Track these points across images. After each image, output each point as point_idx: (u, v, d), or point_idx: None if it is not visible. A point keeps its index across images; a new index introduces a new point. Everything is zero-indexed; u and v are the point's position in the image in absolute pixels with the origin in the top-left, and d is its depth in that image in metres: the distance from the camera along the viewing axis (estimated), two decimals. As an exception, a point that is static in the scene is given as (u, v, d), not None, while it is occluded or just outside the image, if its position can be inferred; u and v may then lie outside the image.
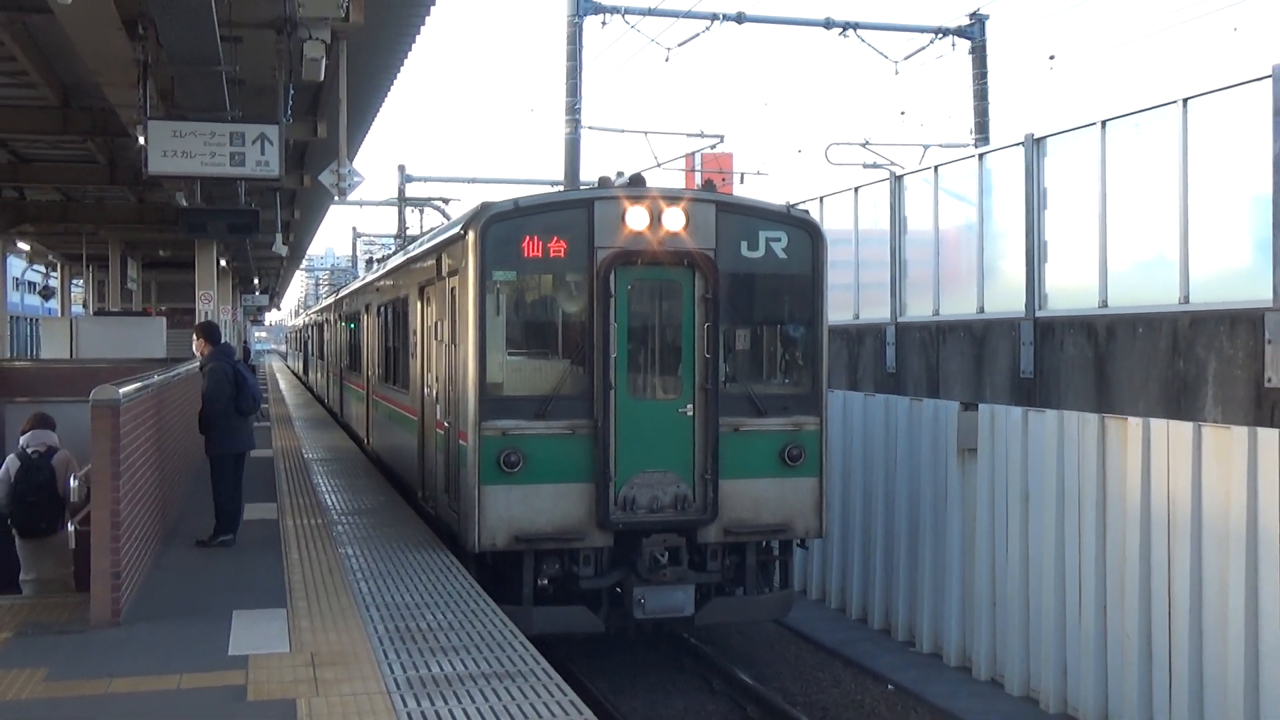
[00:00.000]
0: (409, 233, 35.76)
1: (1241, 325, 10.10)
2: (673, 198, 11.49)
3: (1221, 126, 10.74)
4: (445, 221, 29.28)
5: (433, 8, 14.47)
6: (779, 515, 11.76)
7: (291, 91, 14.88)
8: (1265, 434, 9.66)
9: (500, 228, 11.19)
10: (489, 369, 11.21)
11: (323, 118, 17.70)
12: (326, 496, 16.08)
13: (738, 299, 11.90)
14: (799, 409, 11.91)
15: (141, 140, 13.51)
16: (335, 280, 62.59)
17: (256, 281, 53.24)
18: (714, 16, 20.92)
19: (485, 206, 11.55)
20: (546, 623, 10.89)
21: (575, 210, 11.38)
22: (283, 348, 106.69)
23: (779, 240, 11.79)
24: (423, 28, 15.40)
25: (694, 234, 11.36)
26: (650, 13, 20.78)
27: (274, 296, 74.74)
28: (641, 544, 11.17)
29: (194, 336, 12.64)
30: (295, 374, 62.00)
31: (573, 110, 22.32)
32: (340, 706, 7.06)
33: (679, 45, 21.29)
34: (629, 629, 11.93)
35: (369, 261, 39.41)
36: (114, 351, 24.24)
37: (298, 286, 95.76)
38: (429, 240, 15.37)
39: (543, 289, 11.99)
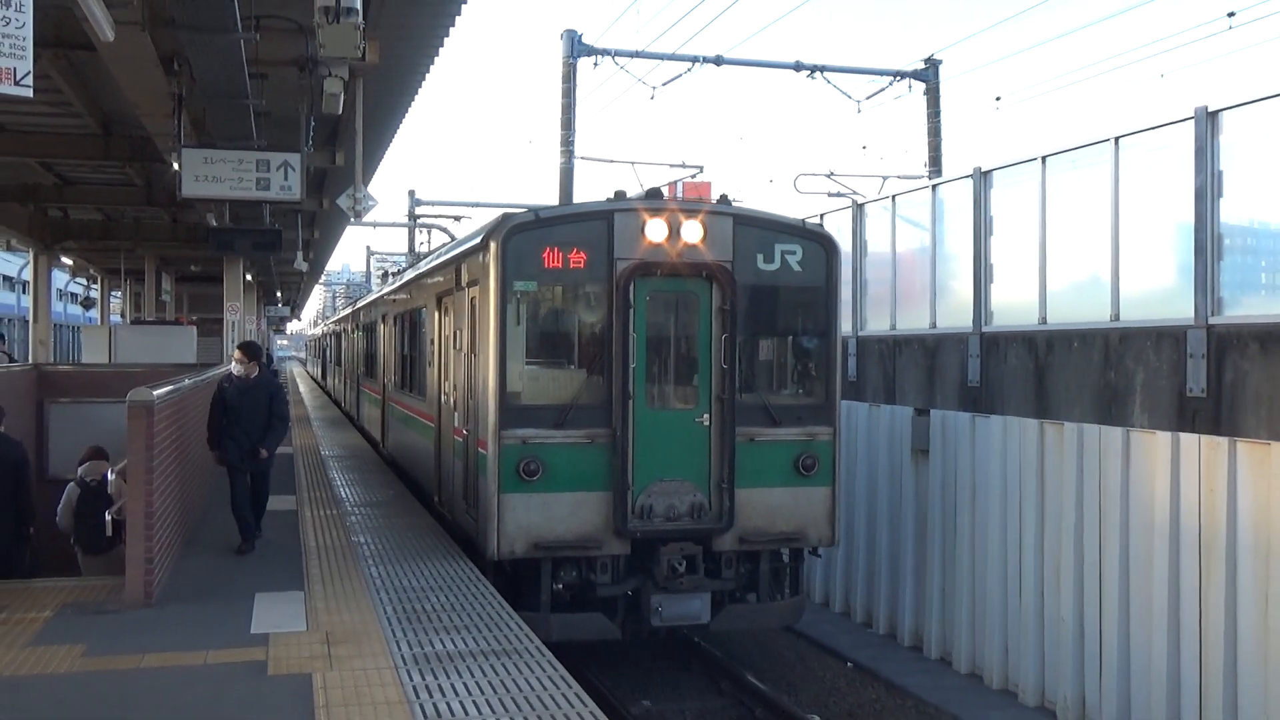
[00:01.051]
0: (419, 250, 35.67)
1: (1166, 341, 10.17)
2: (691, 210, 10.62)
3: (1150, 162, 10.82)
4: (450, 240, 29.27)
5: (441, 49, 14.51)
6: (793, 523, 10.93)
7: (312, 123, 14.91)
8: (1186, 438, 9.73)
9: (521, 238, 10.32)
10: (509, 378, 10.34)
11: (340, 147, 17.67)
12: (341, 490, 16.05)
13: (753, 310, 10.98)
14: (813, 419, 11.07)
15: (176, 166, 13.54)
16: (351, 293, 62.34)
17: (279, 294, 53.05)
18: (695, 59, 20.99)
19: (506, 218, 10.65)
20: (564, 630, 10.14)
21: (595, 222, 10.45)
22: (302, 354, 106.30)
23: (794, 253, 10.96)
24: (432, 67, 15.43)
25: (711, 246, 10.55)
26: (637, 55, 20.85)
27: (295, 308, 74.42)
28: (658, 552, 10.36)
29: (239, 355, 11.50)
30: (314, 379, 61.80)
31: (567, 142, 22.35)
32: (352, 680, 7.06)
33: (663, 84, 21.38)
34: (644, 635, 11.03)
35: (384, 275, 38.94)
36: (149, 357, 24.13)
37: (316, 299, 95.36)
38: (446, 253, 14.45)
39: (562, 299, 10.93)
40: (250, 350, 11.52)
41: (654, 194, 10.90)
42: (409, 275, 18.43)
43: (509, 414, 10.24)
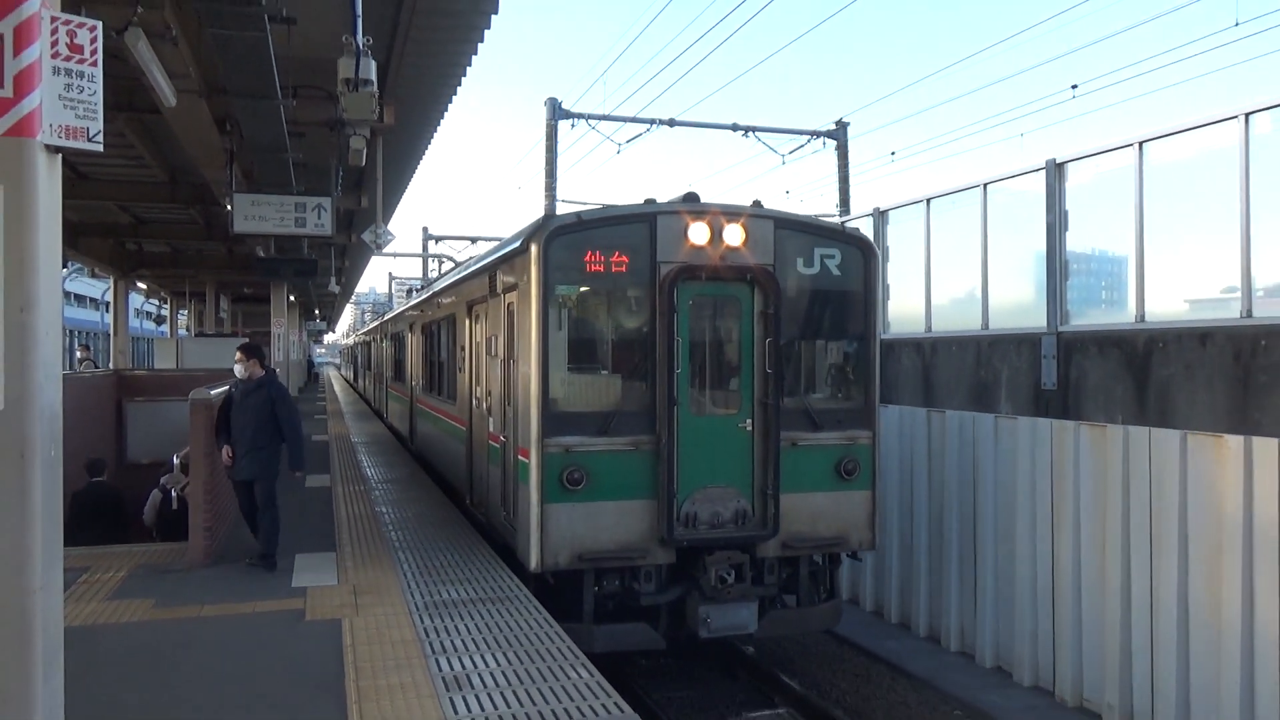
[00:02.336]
0: (431, 275, 35.42)
1: (1026, 345, 10.29)
2: (733, 214, 8.76)
3: (1012, 203, 10.97)
4: (451, 265, 28.96)
5: (445, 114, 14.49)
6: (834, 528, 9.02)
7: (341, 172, 14.86)
8: (1042, 422, 9.85)
9: (563, 241, 8.37)
10: (551, 384, 8.32)
11: (365, 191, 17.60)
12: (368, 470, 15.92)
13: (794, 314, 9.04)
14: (853, 423, 9.10)
15: (229, 208, 13.46)
16: (377, 310, 61.77)
17: (316, 311, 52.62)
18: (652, 121, 21.00)
19: (547, 219, 8.75)
20: (608, 641, 8.34)
21: (638, 225, 8.54)
22: (337, 360, 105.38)
23: (833, 257, 9.09)
24: (438, 128, 15.39)
25: (753, 249, 8.70)
26: (605, 118, 20.86)
27: (330, 322, 73.89)
28: (704, 560, 8.49)
29: (241, 356, 9.06)
30: (347, 380, 61.24)
31: (550, 189, 22.30)
32: (375, 623, 7.01)
33: (627, 142, 21.31)
34: (687, 643, 9.10)
35: (408, 292, 38.42)
36: (209, 363, 23.85)
37: (348, 315, 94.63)
38: (478, 262, 11.89)
39: (604, 303, 8.84)
40: (248, 350, 9.21)
41: (691, 198, 8.95)
42: (437, 287, 16.02)
43: (551, 421, 8.24)
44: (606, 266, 8.48)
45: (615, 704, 5.41)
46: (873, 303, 9.26)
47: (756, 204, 9.20)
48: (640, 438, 8.38)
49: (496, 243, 13.20)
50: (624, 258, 8.47)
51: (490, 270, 10.17)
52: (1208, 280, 9.11)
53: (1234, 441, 7.93)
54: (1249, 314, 8.18)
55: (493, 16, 10.80)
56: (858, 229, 9.99)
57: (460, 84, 13.09)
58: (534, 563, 8.18)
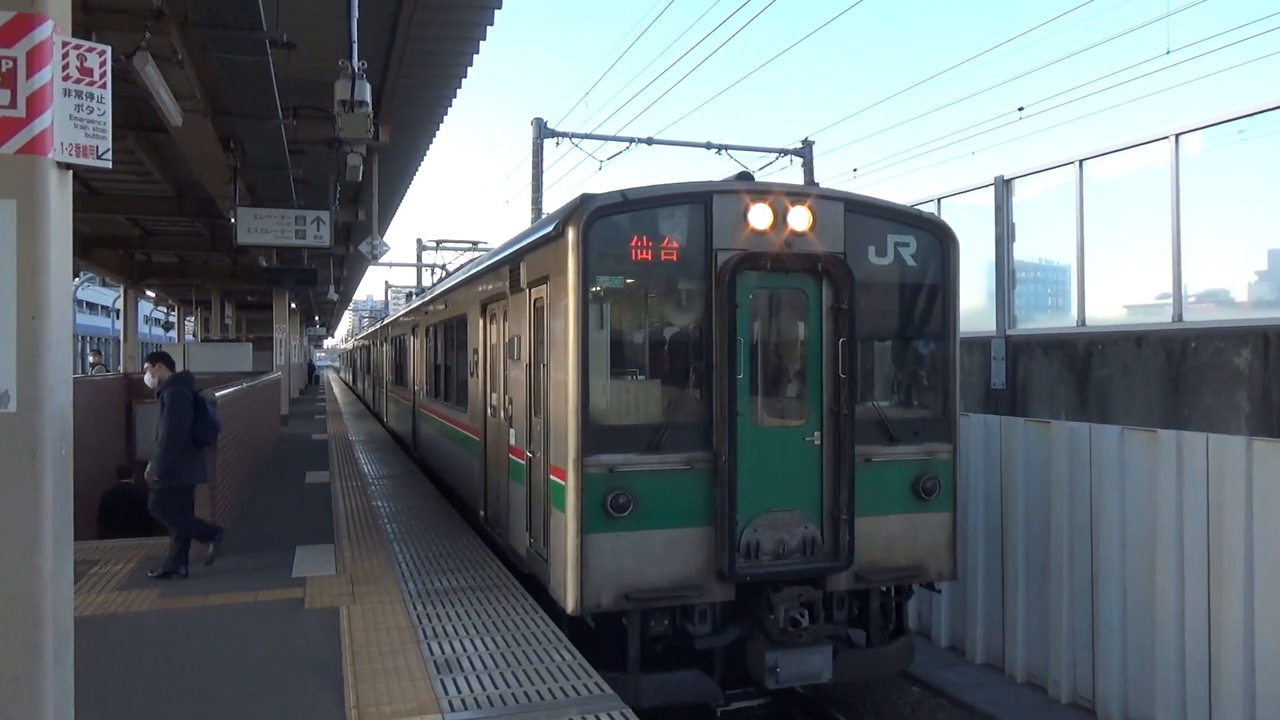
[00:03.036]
0: (426, 284, 35.11)
1: (977, 348, 10.38)
2: (799, 194, 7.16)
3: (964, 216, 11.07)
4: (444, 272, 28.35)
5: (437, 133, 14.48)
6: (912, 556, 7.37)
7: (339, 187, 14.79)
8: (990, 419, 9.92)
9: (606, 224, 6.70)
10: (592, 393, 6.62)
11: (361, 205, 17.54)
12: (364, 466, 15.83)
13: (865, 310, 7.29)
14: (931, 435, 7.47)
15: (233, 220, 13.37)
16: (375, 315, 61.37)
17: (316, 318, 52.38)
18: (632, 140, 21.01)
19: (586, 199, 6.81)
20: (657, 693, 6.73)
21: (691, 206, 6.91)
22: (337, 364, 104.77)
23: (907, 245, 7.50)
24: (431, 146, 15.37)
25: (821, 236, 7.12)
26: (588, 136, 20.88)
27: (329, 328, 73.52)
28: (768, 597, 6.90)
29: (148, 366, 8.42)
30: (346, 383, 60.88)
31: (536, 203, 22.24)
32: (371, 610, 6.97)
33: (608, 159, 21.29)
34: (752, 694, 7.37)
35: (407, 295, 36.96)
36: (215, 367, 23.67)
37: (346, 321, 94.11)
38: (494, 256, 9.90)
39: (652, 298, 7.15)
40: (153, 358, 8.45)
41: (745, 178, 7.46)
42: (444, 286, 14.02)
43: (593, 437, 6.57)
44: (655, 254, 6.82)
45: (596, 684, 5.41)
46: (952, 297, 7.66)
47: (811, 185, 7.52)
48: (695, 455, 6.76)
49: (483, 254, 12.39)
50: (675, 244, 6.84)
51: (511, 263, 8.46)
52: (1143, 287, 9.14)
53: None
54: (1180, 319, 8.31)
55: (481, 43, 10.82)
56: (934, 214, 8.34)
57: (451, 105, 13.09)
58: (571, 604, 6.50)
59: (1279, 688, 7.00)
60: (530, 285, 7.76)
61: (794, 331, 7.27)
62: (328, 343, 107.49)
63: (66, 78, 3.50)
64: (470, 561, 8.63)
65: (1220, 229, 8.32)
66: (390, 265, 44.85)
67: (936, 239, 7.58)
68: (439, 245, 33.43)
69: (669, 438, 6.72)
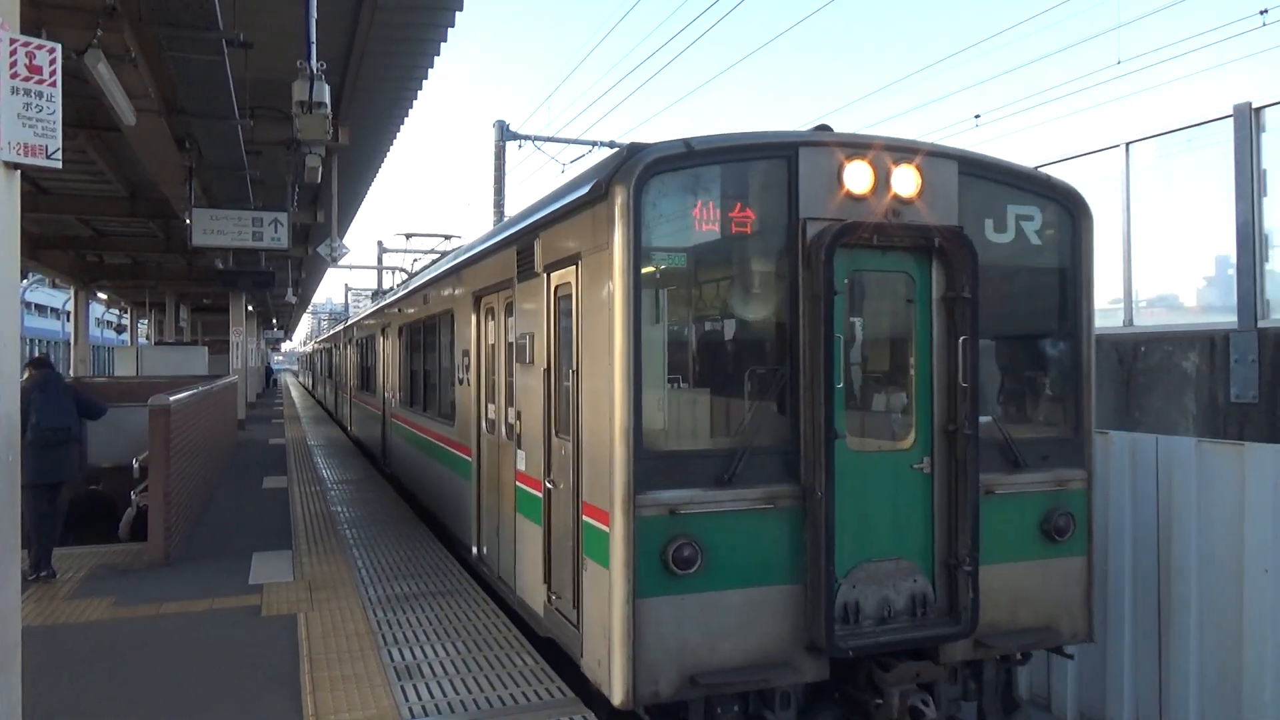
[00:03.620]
0: (386, 288, 34.58)
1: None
2: (904, 149, 5.46)
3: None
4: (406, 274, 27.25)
5: (397, 135, 14.37)
6: (1040, 613, 5.73)
7: (297, 189, 14.62)
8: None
9: (666, 183, 5.02)
10: (647, 409, 4.96)
11: (320, 207, 17.34)
12: (323, 470, 15.64)
13: (984, 302, 5.52)
14: (1062, 459, 5.82)
15: (188, 222, 13.17)
16: (336, 317, 60.50)
17: (274, 321, 51.69)
18: (594, 143, 21.02)
19: (638, 149, 5.10)
20: None
21: (771, 161, 5.24)
22: (295, 368, 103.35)
23: (1031, 219, 5.88)
24: (391, 147, 15.26)
25: (931, 204, 5.47)
26: (550, 139, 20.87)
27: (288, 331, 72.69)
28: (872, 674, 5.27)
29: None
30: (305, 387, 60.05)
31: (498, 205, 22.16)
32: (329, 617, 6.89)
33: (571, 162, 21.45)
34: None
35: (372, 295, 34.45)
36: (169, 371, 23.30)
37: (305, 324, 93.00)
38: (495, 235, 7.86)
39: (720, 283, 5.51)
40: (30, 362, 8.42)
41: (824, 129, 5.68)
42: (424, 278, 11.77)
43: (649, 467, 4.89)
44: (724, 225, 5.11)
45: (559, 689, 5.40)
46: (1085, 285, 6.01)
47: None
48: (778, 489, 5.09)
49: (459, 247, 10.95)
50: (749, 212, 5.17)
51: (520, 243, 6.73)
52: (1096, 292, 8.99)
53: None
54: (1130, 323, 8.50)
55: (443, 44, 10.76)
56: (1064, 180, 6.25)
57: (412, 106, 13.00)
58: (620, 693, 4.80)
59: None
60: (550, 269, 6.02)
61: (895, 327, 5.67)
62: (286, 346, 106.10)
63: (14, 75, 3.43)
64: (432, 566, 8.56)
65: (1170, 236, 8.51)
66: (350, 268, 44.52)
67: (1066, 211, 5.97)
68: (409, 238, 30.98)
69: (746, 467, 5.01)
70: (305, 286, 35.78)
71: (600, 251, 5.14)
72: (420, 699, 5.25)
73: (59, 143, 3.53)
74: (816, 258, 5.11)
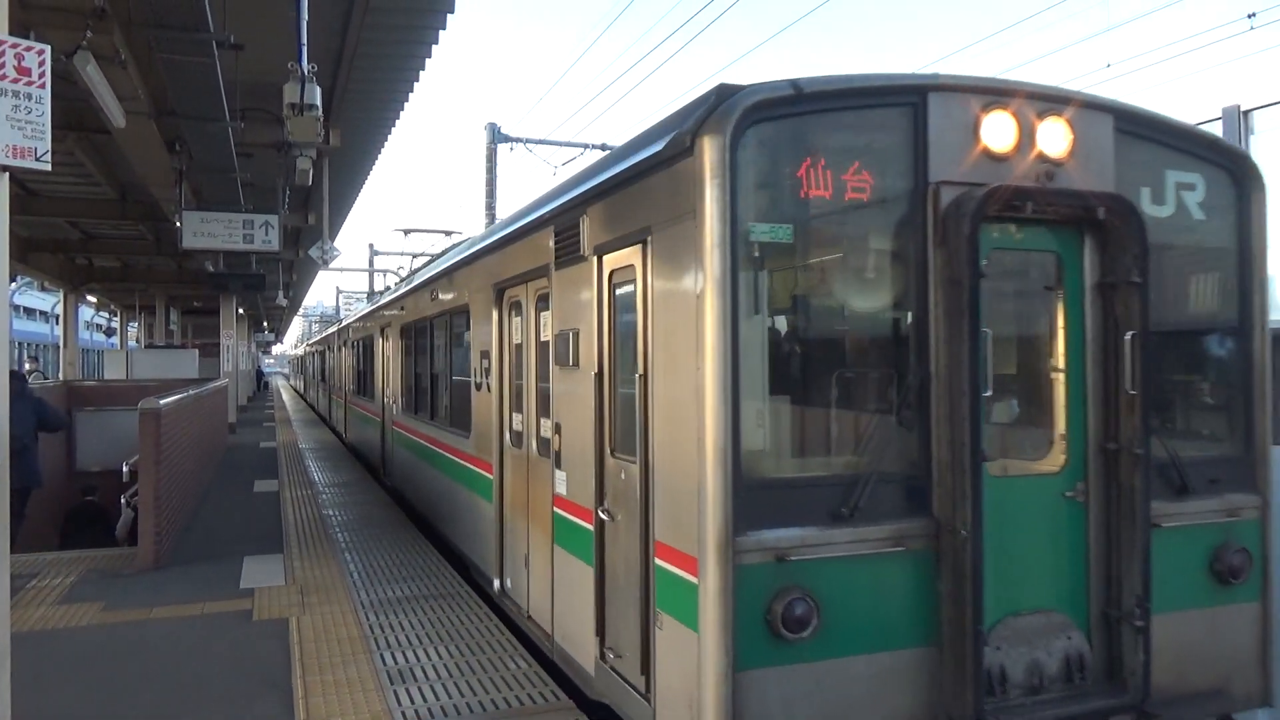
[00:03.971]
0: (379, 290, 34.38)
1: None
2: (1050, 99, 4.38)
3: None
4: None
5: (388, 138, 14.36)
6: (1210, 673, 4.64)
7: (288, 191, 14.59)
8: None
9: (768, 134, 3.93)
10: (745, 425, 3.84)
11: (311, 209, 17.30)
12: (315, 474, 15.58)
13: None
14: (1232, 483, 4.75)
15: (178, 224, 13.11)
16: (327, 320, 60.20)
17: (265, 324, 51.54)
18: (586, 145, 21.05)
19: (727, 90, 3.94)
20: None
21: (894, 110, 4.17)
22: (286, 370, 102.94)
23: (1192, 189, 4.77)
24: (382, 150, 15.23)
25: (1085, 168, 4.38)
26: (542, 142, 20.88)
27: (278, 334, 72.38)
28: None
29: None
30: (296, 390, 59.82)
31: (489, 208, 22.16)
32: (321, 621, 6.86)
33: (562, 164, 21.35)
34: None
35: (368, 295, 34.07)
36: (159, 374, 23.20)
37: (296, 327, 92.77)
38: (524, 216, 6.52)
39: (830, 264, 4.24)
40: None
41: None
42: (432, 271, 10.59)
43: (751, 500, 3.84)
44: (837, 190, 4.03)
45: (552, 693, 5.38)
46: (1257, 271, 4.92)
47: None
48: (907, 525, 4.04)
49: (459, 244, 10.53)
50: (866, 174, 4.09)
51: (561, 222, 5.60)
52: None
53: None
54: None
55: (434, 47, 10.75)
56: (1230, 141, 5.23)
57: (403, 109, 12.98)
58: None
59: None
60: (602, 250, 4.96)
61: (1033, 321, 4.58)
62: (277, 349, 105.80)
63: (3, 77, 3.41)
64: (424, 570, 8.53)
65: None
66: (342, 270, 44.49)
67: (1235, 179, 4.88)
68: (407, 234, 29.36)
69: (869, 499, 3.96)
70: (296, 289, 35.68)
71: (680, 223, 4.05)
72: (413, 703, 5.23)
73: (48, 145, 3.52)
74: (956, 232, 4.00)
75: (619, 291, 4.89)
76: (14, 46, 3.47)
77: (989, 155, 4.23)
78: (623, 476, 4.74)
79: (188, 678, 5.72)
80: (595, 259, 5.07)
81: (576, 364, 5.35)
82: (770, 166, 3.96)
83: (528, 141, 21.12)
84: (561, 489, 5.67)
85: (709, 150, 3.81)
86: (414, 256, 30.56)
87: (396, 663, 5.90)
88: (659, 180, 4.28)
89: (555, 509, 5.76)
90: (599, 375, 5.04)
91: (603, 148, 21.52)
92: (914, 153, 4.16)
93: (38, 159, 3.49)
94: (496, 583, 7.18)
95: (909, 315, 4.19)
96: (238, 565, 8.68)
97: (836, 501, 3.96)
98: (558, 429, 5.68)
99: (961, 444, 3.96)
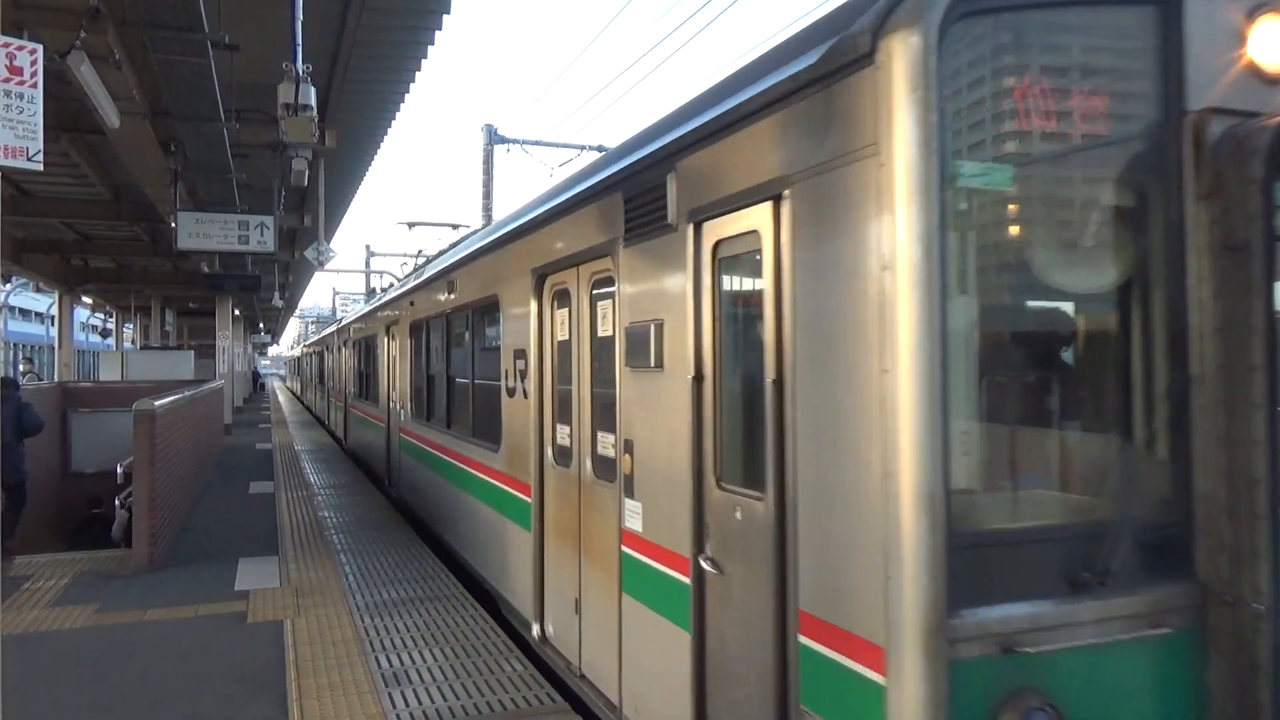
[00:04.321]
0: (375, 289, 34.23)
1: None
2: None
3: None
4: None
5: (384, 139, 14.34)
6: None
7: (284, 192, 14.56)
8: None
9: (975, 34, 2.64)
10: (953, 454, 2.47)
11: (307, 210, 17.25)
12: (310, 476, 15.54)
13: None
14: None
15: (174, 225, 13.07)
16: (324, 321, 60.05)
17: (261, 325, 51.45)
18: (582, 147, 21.00)
19: None
20: None
21: (1136, 10, 2.79)
22: (282, 372, 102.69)
23: None
24: (378, 151, 15.21)
25: None
26: (538, 143, 20.87)
27: (274, 336, 72.24)
28: None
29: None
30: (292, 392, 59.69)
31: (486, 209, 22.15)
32: (316, 624, 6.83)
33: (559, 165, 21.33)
34: None
35: (370, 293, 32.40)
36: (154, 375, 23.13)
37: (293, 328, 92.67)
38: (586, 179, 5.18)
39: (1051, 224, 2.89)
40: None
41: None
42: (448, 261, 9.25)
43: (964, 563, 2.48)
44: (1063, 117, 2.91)
45: (548, 695, 5.37)
46: None
47: None
48: (1164, 595, 2.81)
49: (463, 238, 10.01)
50: (1099, 99, 2.92)
51: (633, 184, 4.44)
52: None
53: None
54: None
55: (430, 47, 10.73)
56: None
57: (399, 109, 12.95)
58: None
59: None
60: (702, 215, 3.79)
61: None
62: (273, 350, 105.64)
63: (-5, 77, 3.38)
64: (420, 572, 8.51)
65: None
66: (338, 272, 44.47)
67: None
68: (411, 227, 29.33)
69: (1116, 558, 2.76)
70: (292, 291, 35.63)
71: (846, 167, 2.82)
72: (408, 705, 5.21)
73: (40, 145, 3.50)
74: (1239, 176, 2.77)
75: (730, 269, 3.71)
76: (6, 46, 3.45)
77: (1257, 75, 2.96)
78: (738, 516, 3.55)
79: (182, 680, 5.70)
80: (691, 228, 3.86)
81: (659, 365, 4.17)
82: (983, 82, 2.82)
83: (524, 143, 21.10)
84: (635, 524, 4.45)
85: (903, 52, 2.58)
86: (415, 256, 30.42)
87: (392, 665, 5.88)
88: (806, 110, 3.05)
89: (625, 548, 4.57)
90: (697, 380, 3.86)
91: (599, 149, 21.53)
92: (1163, 70, 2.93)
93: (30, 159, 3.46)
94: (536, 628, 5.98)
95: (1158, 296, 2.94)
96: (233, 567, 8.65)
97: (1073, 561, 2.71)
98: (628, 447, 4.50)
99: (1248, 476, 2.74)
